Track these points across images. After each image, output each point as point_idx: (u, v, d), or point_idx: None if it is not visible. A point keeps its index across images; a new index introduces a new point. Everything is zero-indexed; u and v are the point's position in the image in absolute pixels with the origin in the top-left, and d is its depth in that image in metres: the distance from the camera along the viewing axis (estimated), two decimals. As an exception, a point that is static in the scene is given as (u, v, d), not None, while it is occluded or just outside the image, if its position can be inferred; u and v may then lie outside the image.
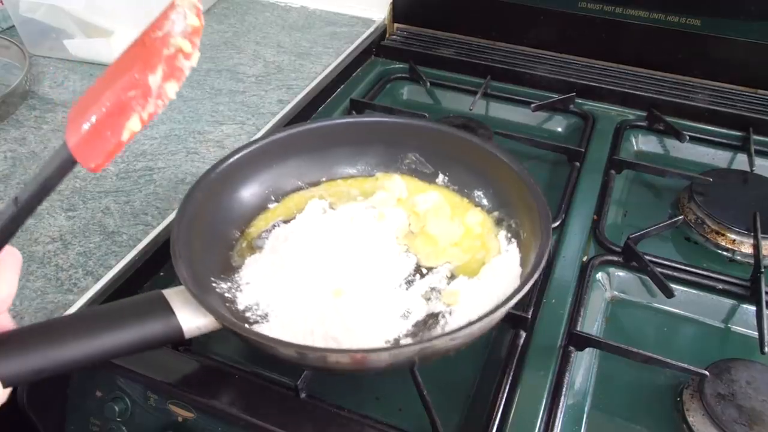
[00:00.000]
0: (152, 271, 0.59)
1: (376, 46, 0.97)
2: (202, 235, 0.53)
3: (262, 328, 0.50)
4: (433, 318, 0.52)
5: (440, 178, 0.65)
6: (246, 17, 1.04)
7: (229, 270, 0.56)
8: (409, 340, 0.50)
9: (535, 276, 0.45)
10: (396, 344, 0.49)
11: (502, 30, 0.94)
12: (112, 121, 0.35)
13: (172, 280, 0.59)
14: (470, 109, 0.82)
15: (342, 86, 0.89)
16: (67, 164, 0.35)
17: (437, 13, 0.98)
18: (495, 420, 0.47)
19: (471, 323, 0.42)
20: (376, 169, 0.65)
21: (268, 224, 0.61)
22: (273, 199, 0.63)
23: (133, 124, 0.36)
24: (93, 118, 0.35)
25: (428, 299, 0.54)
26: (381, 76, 0.93)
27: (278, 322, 0.50)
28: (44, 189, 0.36)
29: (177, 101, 0.81)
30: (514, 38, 0.94)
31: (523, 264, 0.54)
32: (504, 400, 0.48)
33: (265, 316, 0.51)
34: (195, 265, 0.49)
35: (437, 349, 0.43)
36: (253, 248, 0.58)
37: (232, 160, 0.58)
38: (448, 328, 0.50)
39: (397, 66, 0.94)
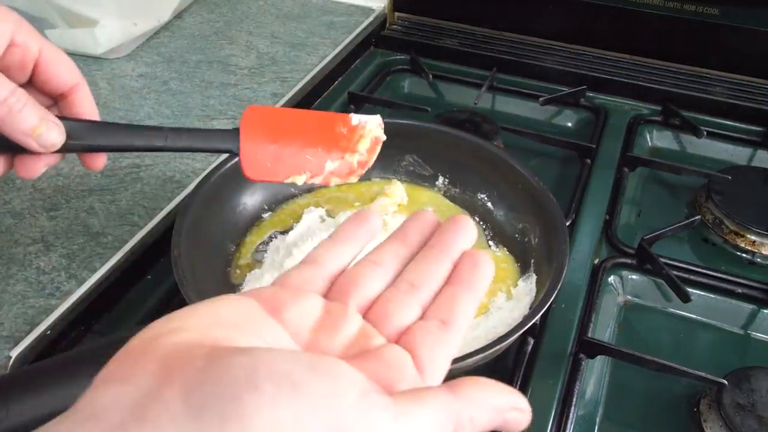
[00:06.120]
0: (139, 274, 0.59)
1: (376, 37, 0.97)
2: (201, 253, 0.53)
3: None
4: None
5: (440, 180, 0.66)
6: (238, 6, 1.04)
7: (229, 289, 0.56)
8: None
9: (550, 301, 0.46)
10: None
11: (509, 19, 0.94)
12: (284, 162, 0.45)
13: (160, 285, 0.59)
14: (475, 103, 0.82)
15: (339, 79, 0.89)
16: (228, 153, 0.44)
17: (440, 2, 0.98)
18: (501, 431, 0.47)
19: (480, 350, 0.43)
20: (371, 173, 0.65)
21: (264, 236, 0.61)
22: (266, 208, 0.63)
23: (299, 179, 0.45)
24: (273, 146, 0.45)
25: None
26: (381, 68, 0.93)
27: None
28: (192, 150, 0.46)
29: (166, 95, 0.81)
30: (522, 28, 0.94)
31: (536, 270, 0.55)
32: (511, 410, 0.48)
33: None
34: (200, 289, 0.49)
35: (447, 374, 0.44)
36: (252, 263, 0.58)
37: (222, 170, 0.58)
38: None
39: (397, 57, 0.94)
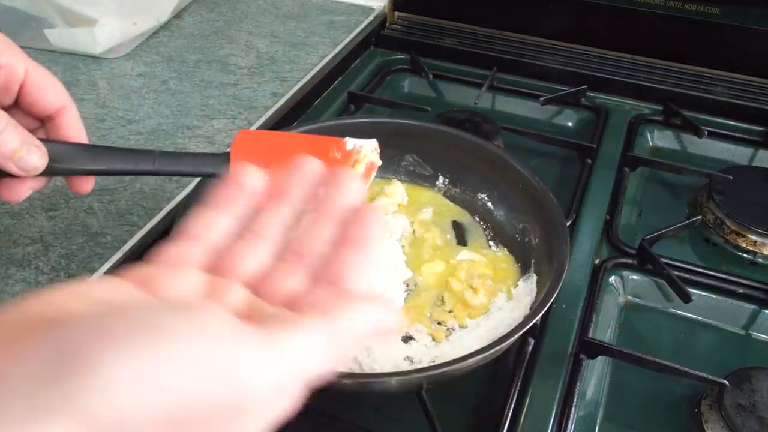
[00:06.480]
0: (138, 274, 0.59)
1: (376, 36, 0.97)
2: None
3: None
4: (446, 333, 0.53)
5: (440, 180, 0.66)
6: (238, 5, 1.04)
7: None
8: (426, 359, 0.50)
9: (550, 301, 0.46)
10: (410, 363, 0.50)
11: (510, 19, 0.94)
12: None
13: (160, 284, 0.59)
14: (475, 103, 0.82)
15: (339, 78, 0.89)
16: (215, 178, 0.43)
17: (440, 1, 0.98)
18: (502, 432, 0.47)
19: (480, 350, 0.43)
20: None
21: None
22: None
23: None
24: (265, 171, 0.44)
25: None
26: (381, 67, 0.92)
27: None
28: (182, 174, 0.45)
29: (164, 94, 0.81)
30: (523, 27, 0.94)
31: (536, 270, 0.56)
32: (512, 410, 0.48)
33: None
34: None
35: (448, 374, 0.44)
36: None
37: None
38: (460, 344, 0.51)
39: (397, 57, 0.94)
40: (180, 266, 0.26)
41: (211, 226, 0.28)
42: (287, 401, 0.23)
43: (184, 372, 0.19)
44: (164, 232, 0.60)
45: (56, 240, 0.60)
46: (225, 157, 0.44)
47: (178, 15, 1.00)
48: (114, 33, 0.87)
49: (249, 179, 0.30)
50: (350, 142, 0.45)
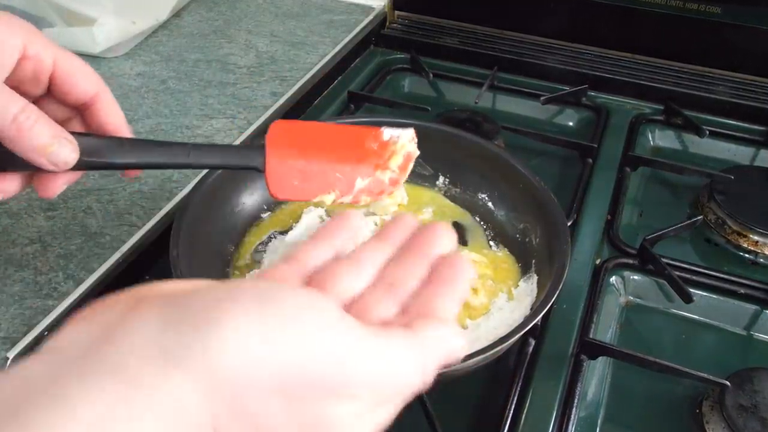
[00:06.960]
0: (137, 275, 0.59)
1: (376, 35, 0.97)
2: (200, 253, 0.53)
3: None
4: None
5: (440, 180, 0.66)
6: (237, 4, 1.04)
7: None
8: None
9: (551, 302, 0.46)
10: None
11: (511, 18, 0.94)
12: (312, 179, 0.42)
13: (159, 285, 0.59)
14: (476, 103, 0.82)
15: (339, 78, 0.89)
16: (254, 170, 0.42)
17: (441, 0, 0.98)
18: (502, 433, 0.47)
19: (481, 351, 0.43)
20: None
21: (263, 236, 0.61)
22: (266, 208, 0.63)
23: (327, 198, 0.43)
24: (300, 163, 0.42)
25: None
26: (381, 67, 0.92)
27: None
28: (216, 167, 0.46)
29: (163, 94, 0.81)
30: (523, 27, 0.94)
31: (537, 270, 0.55)
32: (512, 411, 0.48)
33: None
34: None
35: (448, 375, 0.44)
36: (251, 263, 0.58)
37: (220, 170, 0.58)
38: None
39: (397, 56, 0.94)
40: (281, 281, 0.28)
41: (313, 254, 0.30)
42: (381, 406, 0.25)
43: (295, 340, 0.21)
44: (163, 232, 0.60)
45: (55, 240, 0.60)
46: (260, 149, 0.42)
47: (177, 14, 1.00)
48: (113, 32, 0.87)
49: (352, 220, 0.32)
50: (387, 133, 0.43)
